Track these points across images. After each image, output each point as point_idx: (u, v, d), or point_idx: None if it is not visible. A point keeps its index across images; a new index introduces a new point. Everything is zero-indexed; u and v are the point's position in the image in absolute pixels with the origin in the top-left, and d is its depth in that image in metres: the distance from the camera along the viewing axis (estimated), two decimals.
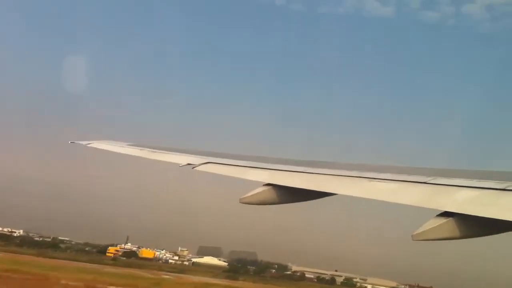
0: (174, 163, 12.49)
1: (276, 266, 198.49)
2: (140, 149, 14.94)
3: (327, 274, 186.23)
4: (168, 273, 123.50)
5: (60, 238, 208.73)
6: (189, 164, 11.92)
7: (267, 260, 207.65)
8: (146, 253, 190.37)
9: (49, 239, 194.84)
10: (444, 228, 6.55)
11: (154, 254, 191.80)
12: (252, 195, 9.18)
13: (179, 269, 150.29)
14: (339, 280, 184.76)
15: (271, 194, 9.14)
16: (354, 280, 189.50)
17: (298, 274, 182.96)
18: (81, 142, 17.66)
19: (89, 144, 16.98)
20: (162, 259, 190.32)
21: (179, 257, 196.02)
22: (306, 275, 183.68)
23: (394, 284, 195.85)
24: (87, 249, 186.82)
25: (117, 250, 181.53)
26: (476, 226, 6.64)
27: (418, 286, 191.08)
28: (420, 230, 6.58)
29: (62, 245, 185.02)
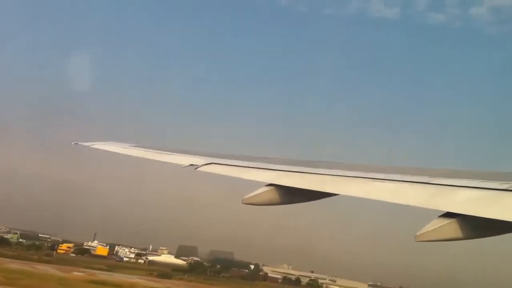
0: (177, 164, 12.51)
1: (252, 266, 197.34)
2: (143, 150, 14.97)
3: (294, 275, 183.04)
4: (96, 271, 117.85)
5: (40, 235, 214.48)
6: (191, 164, 11.93)
7: (246, 260, 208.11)
8: (101, 250, 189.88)
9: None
10: (447, 229, 6.55)
11: (108, 251, 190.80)
12: (254, 196, 9.18)
13: (116, 267, 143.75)
14: (306, 281, 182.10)
15: (274, 195, 9.14)
16: (322, 281, 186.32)
17: (262, 274, 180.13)
18: (84, 143, 17.69)
19: (92, 145, 17.02)
20: (118, 256, 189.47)
21: (135, 255, 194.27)
22: (274, 276, 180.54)
23: (364, 286, 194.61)
24: (37, 243, 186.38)
25: (68, 247, 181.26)
26: (478, 227, 6.63)
27: None
28: (423, 231, 6.57)
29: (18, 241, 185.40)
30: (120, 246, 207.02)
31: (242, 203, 9.23)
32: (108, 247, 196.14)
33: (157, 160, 13.72)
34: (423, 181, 7.69)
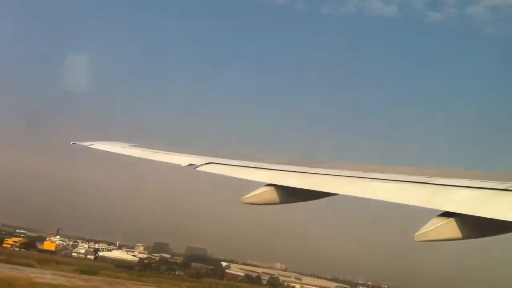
0: (176, 163, 12.51)
1: (224, 263, 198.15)
2: (142, 150, 14.95)
3: (258, 273, 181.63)
4: (18, 266, 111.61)
5: (18, 230, 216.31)
6: (190, 164, 11.94)
7: (221, 257, 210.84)
8: (48, 245, 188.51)
9: None
10: (446, 229, 6.56)
11: (56, 246, 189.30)
12: (253, 195, 9.20)
13: (50, 261, 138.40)
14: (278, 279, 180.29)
15: (273, 194, 9.16)
16: (286, 279, 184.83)
17: (220, 271, 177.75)
18: (82, 143, 17.66)
19: (90, 145, 16.99)
20: (67, 251, 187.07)
21: (86, 251, 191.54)
22: (237, 273, 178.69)
23: (330, 284, 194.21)
24: None
25: (14, 241, 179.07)
26: (477, 227, 6.65)
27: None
28: (422, 230, 6.59)
29: None
30: (82, 241, 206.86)
31: (242, 202, 9.24)
32: (68, 242, 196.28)
33: (156, 160, 13.71)
34: (421, 181, 7.71)
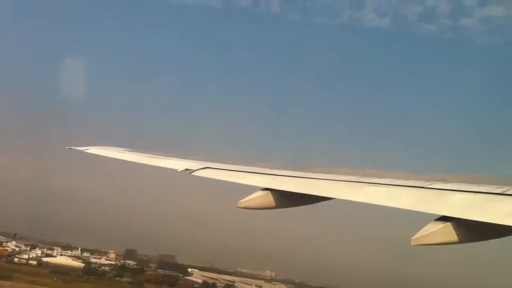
0: (172, 168, 12.47)
1: (191, 270, 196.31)
2: (138, 155, 14.91)
3: (217, 280, 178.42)
4: None
5: None
6: (187, 169, 11.90)
7: (190, 263, 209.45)
8: None
9: None
10: (442, 233, 6.55)
11: (2, 251, 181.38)
12: (249, 200, 9.17)
13: None
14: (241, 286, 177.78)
15: (269, 199, 9.13)
16: (246, 286, 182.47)
17: (173, 278, 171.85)
18: (78, 148, 17.61)
19: (86, 150, 16.94)
20: (9, 257, 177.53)
21: (28, 256, 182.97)
22: (195, 280, 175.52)
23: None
24: None
25: None
26: (473, 231, 6.64)
27: None
28: (419, 234, 6.57)
29: None
30: (41, 247, 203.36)
31: (237, 207, 9.21)
32: (25, 248, 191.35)
33: (152, 165, 13.66)
34: (418, 185, 7.70)
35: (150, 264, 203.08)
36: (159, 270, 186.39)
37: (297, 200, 9.19)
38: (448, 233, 6.53)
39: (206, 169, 11.59)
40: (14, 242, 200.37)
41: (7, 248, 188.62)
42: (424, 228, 6.60)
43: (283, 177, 9.78)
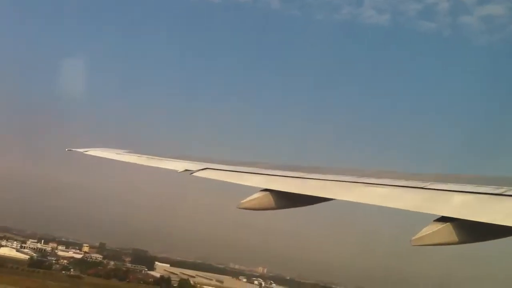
0: (172, 169, 12.47)
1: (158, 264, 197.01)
2: (138, 156, 14.90)
3: (176, 274, 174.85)
4: None
5: None
6: (186, 170, 11.91)
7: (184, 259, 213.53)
8: None
9: None
10: (442, 234, 6.56)
11: None
12: (249, 201, 9.18)
13: None
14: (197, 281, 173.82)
15: (268, 200, 9.14)
16: (207, 281, 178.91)
17: (122, 271, 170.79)
18: (78, 150, 17.60)
19: (86, 151, 16.94)
20: None
21: None
22: (153, 274, 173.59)
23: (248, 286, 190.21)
24: None
25: None
26: (473, 232, 6.65)
27: None
28: (419, 235, 6.58)
29: None
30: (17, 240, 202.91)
31: (237, 208, 9.21)
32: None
33: (152, 166, 13.67)
34: (417, 186, 7.70)
35: (124, 258, 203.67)
36: (128, 264, 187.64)
37: (297, 201, 9.20)
38: (448, 233, 6.54)
39: (206, 170, 11.60)
40: None
41: None
42: (424, 229, 6.60)
43: (283, 177, 9.78)
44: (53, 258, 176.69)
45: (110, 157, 15.71)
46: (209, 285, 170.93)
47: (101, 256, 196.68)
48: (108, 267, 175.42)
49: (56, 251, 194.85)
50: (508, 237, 6.70)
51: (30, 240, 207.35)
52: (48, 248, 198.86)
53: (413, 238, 6.56)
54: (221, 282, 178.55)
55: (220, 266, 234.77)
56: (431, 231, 6.54)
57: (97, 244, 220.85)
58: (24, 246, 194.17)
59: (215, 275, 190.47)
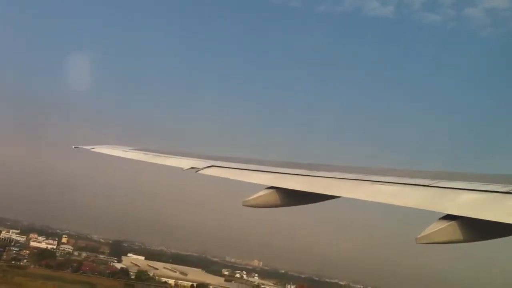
0: (178, 167, 12.49)
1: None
2: (144, 153, 14.95)
3: (138, 266, 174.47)
4: None
5: None
6: (192, 167, 11.92)
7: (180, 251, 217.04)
8: None
9: None
10: (447, 232, 6.53)
11: None
12: (254, 198, 9.18)
13: None
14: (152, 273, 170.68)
15: (274, 197, 9.14)
16: (171, 273, 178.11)
17: (76, 262, 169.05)
18: (84, 147, 17.69)
19: (92, 148, 17.02)
20: None
21: None
22: (116, 265, 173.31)
23: (220, 280, 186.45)
24: None
25: None
26: (479, 230, 6.62)
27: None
28: (424, 233, 6.56)
29: None
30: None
31: (242, 205, 9.22)
32: None
33: (158, 163, 13.70)
34: (423, 184, 7.67)
35: (102, 250, 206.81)
36: (101, 256, 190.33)
37: (302, 198, 9.18)
38: (453, 232, 6.51)
39: (212, 167, 11.60)
40: None
41: None
42: (429, 227, 6.58)
43: (289, 175, 9.77)
44: (15, 249, 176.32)
45: (116, 154, 15.78)
46: (171, 277, 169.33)
47: (71, 248, 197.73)
48: (72, 258, 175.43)
49: (29, 242, 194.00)
50: None
51: (12, 230, 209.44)
52: (23, 239, 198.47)
53: (418, 236, 6.54)
54: (185, 274, 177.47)
55: (214, 259, 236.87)
56: (436, 229, 6.52)
57: (91, 236, 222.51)
58: None
59: (186, 268, 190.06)
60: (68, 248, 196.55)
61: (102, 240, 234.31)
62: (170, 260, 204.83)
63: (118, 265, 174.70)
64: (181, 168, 12.20)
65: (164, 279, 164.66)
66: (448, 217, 6.59)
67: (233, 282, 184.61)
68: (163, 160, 13.70)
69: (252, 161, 11.52)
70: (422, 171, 8.73)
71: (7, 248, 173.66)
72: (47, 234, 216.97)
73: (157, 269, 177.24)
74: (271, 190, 9.20)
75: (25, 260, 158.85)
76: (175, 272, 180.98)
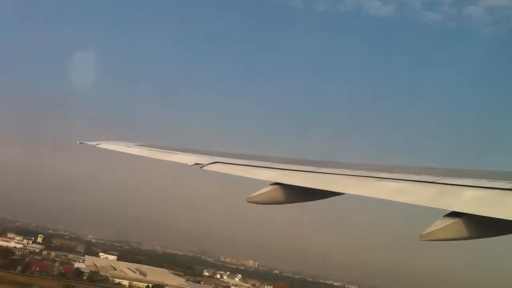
0: (182, 163, 12.51)
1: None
2: (148, 149, 14.99)
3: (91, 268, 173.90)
4: None
5: None
6: (197, 164, 11.93)
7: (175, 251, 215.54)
8: None
9: None
10: (452, 229, 6.53)
11: None
12: (259, 195, 9.17)
13: None
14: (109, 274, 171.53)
15: (278, 194, 9.13)
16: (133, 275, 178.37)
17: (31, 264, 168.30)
18: (90, 143, 17.74)
19: (98, 144, 17.07)
20: None
21: None
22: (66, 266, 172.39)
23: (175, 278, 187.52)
24: None
25: None
26: (483, 227, 6.61)
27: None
28: (428, 230, 6.55)
29: None
30: None
31: (247, 201, 9.22)
32: None
33: (162, 159, 13.72)
34: (428, 180, 7.66)
35: (78, 249, 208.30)
36: (71, 255, 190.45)
37: (307, 195, 9.18)
38: (457, 228, 6.51)
39: (216, 163, 11.61)
40: None
41: None
42: (434, 224, 6.58)
43: (293, 171, 9.77)
44: None
45: (121, 150, 15.81)
46: (128, 278, 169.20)
47: (38, 247, 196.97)
48: (33, 258, 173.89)
49: None
50: None
51: None
52: None
53: (422, 233, 6.54)
54: (145, 275, 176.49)
55: (209, 259, 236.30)
56: (440, 226, 6.51)
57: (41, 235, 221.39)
58: None
59: (152, 268, 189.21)
60: (35, 247, 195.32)
61: (94, 241, 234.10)
62: (143, 260, 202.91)
63: (78, 265, 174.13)
64: (186, 164, 12.22)
65: (118, 280, 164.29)
66: (453, 214, 6.59)
67: (189, 282, 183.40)
68: (167, 156, 13.72)
69: (257, 157, 11.52)
70: (427, 168, 8.72)
71: None
72: (29, 233, 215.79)
73: (116, 269, 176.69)
74: (275, 186, 9.19)
75: None
76: (135, 272, 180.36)
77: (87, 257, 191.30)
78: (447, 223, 6.53)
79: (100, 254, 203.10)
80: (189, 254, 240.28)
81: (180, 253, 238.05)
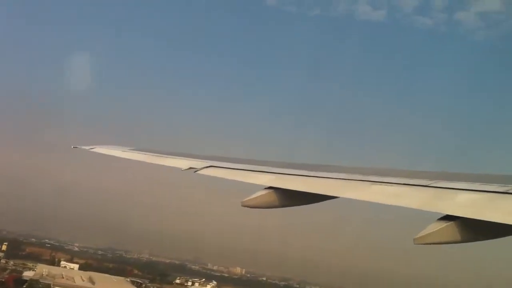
0: (176, 167, 12.48)
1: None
2: (142, 154, 14.95)
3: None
4: None
5: None
6: (191, 168, 11.91)
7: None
8: None
9: None
10: (446, 232, 6.53)
11: None
12: (253, 199, 9.15)
13: None
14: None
15: (273, 197, 9.12)
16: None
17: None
18: (83, 147, 17.67)
19: (91, 149, 17.01)
20: None
21: None
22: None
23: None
24: None
25: None
26: (477, 230, 6.62)
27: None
28: (422, 233, 6.55)
29: None
30: None
31: (241, 205, 9.20)
32: None
33: (156, 164, 13.69)
34: (422, 184, 7.67)
35: (45, 257, 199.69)
36: (29, 264, 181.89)
37: (301, 199, 9.17)
38: (451, 232, 6.51)
39: (210, 167, 11.60)
40: None
41: None
42: (428, 227, 6.58)
43: (287, 175, 9.77)
44: None
45: (115, 155, 15.77)
46: (75, 286, 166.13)
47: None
48: None
49: None
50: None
51: None
52: None
53: (416, 236, 6.54)
54: (93, 283, 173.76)
55: (194, 267, 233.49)
56: (434, 230, 6.51)
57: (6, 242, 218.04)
58: None
59: (110, 276, 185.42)
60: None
61: (76, 249, 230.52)
62: (111, 269, 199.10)
63: (30, 274, 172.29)
64: (180, 169, 12.19)
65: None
66: (447, 218, 6.60)
67: None
68: (161, 160, 13.70)
69: (251, 162, 11.52)
70: (420, 172, 8.73)
71: None
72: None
73: (63, 278, 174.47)
74: (270, 190, 9.18)
75: None
76: (83, 280, 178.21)
77: (39, 266, 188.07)
78: (441, 227, 6.53)
79: (62, 262, 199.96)
80: (176, 262, 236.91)
81: (167, 261, 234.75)
